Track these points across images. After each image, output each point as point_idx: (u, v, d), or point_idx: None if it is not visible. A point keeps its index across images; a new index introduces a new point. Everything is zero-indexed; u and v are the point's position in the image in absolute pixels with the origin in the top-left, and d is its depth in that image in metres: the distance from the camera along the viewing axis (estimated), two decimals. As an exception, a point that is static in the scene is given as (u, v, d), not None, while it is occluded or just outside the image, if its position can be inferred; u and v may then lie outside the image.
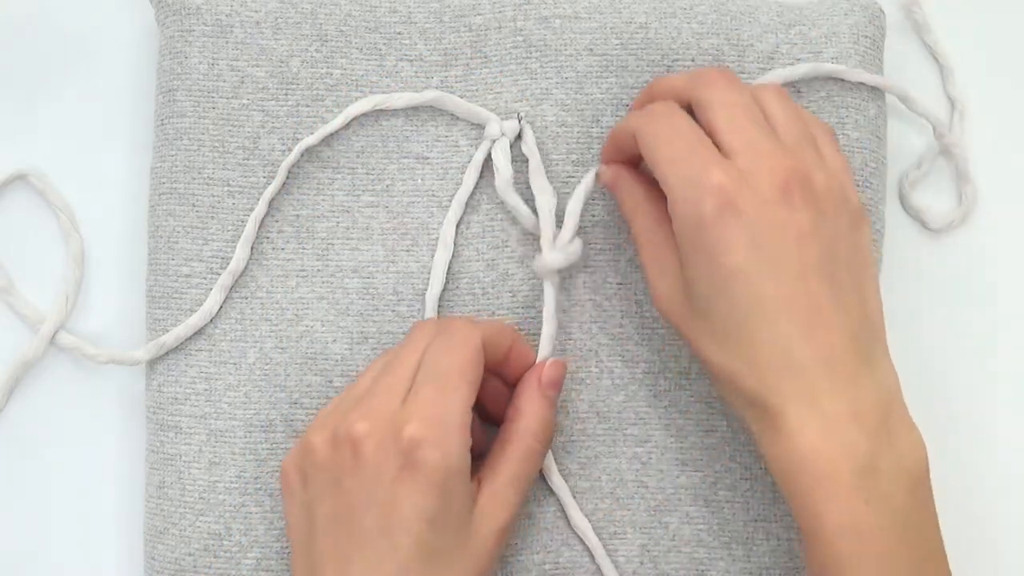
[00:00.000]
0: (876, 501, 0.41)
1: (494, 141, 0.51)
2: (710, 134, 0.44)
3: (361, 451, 0.44)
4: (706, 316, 0.44)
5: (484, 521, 0.45)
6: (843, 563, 0.41)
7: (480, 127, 0.52)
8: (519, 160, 0.51)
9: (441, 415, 0.44)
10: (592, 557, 0.50)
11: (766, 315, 0.42)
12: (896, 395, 0.44)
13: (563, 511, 0.51)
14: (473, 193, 0.51)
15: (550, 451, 0.50)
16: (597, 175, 0.50)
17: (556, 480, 0.50)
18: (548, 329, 0.49)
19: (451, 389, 0.45)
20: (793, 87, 0.51)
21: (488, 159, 0.51)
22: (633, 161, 0.49)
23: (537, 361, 0.49)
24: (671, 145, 0.44)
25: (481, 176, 0.51)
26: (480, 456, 0.48)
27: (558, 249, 0.49)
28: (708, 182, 0.42)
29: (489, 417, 0.49)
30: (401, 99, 0.51)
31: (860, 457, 0.41)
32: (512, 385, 0.49)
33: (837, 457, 0.41)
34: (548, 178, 0.51)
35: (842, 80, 0.51)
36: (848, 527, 0.41)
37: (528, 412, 0.47)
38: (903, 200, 0.55)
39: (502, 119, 0.51)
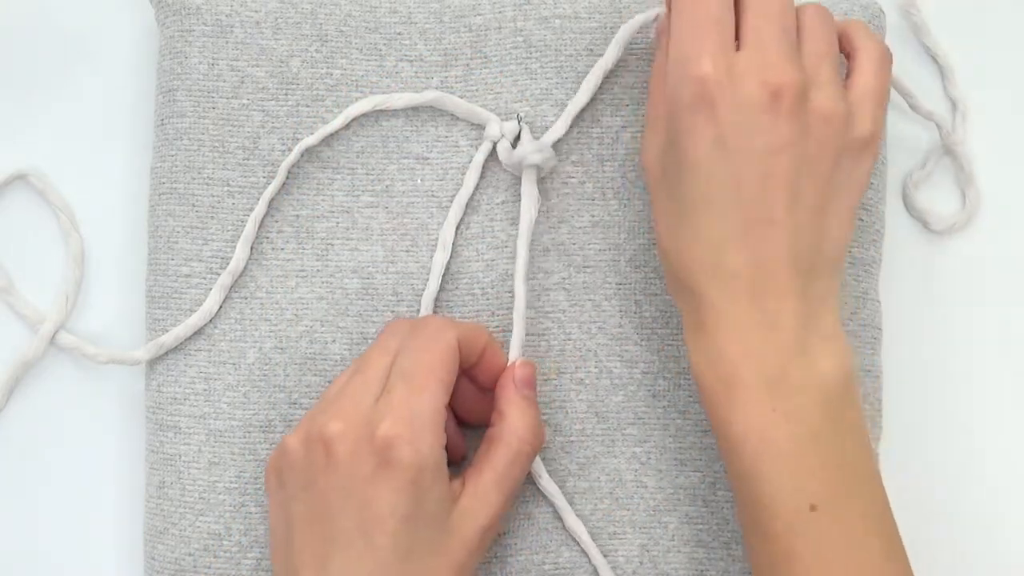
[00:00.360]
0: (785, 411, 0.42)
1: (495, 143, 0.51)
2: (737, 20, 0.44)
3: (334, 451, 0.44)
4: (664, 192, 0.44)
5: (466, 521, 0.45)
6: (749, 466, 0.42)
7: (480, 127, 0.52)
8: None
9: (414, 413, 0.44)
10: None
11: (712, 212, 0.42)
12: (825, 315, 0.44)
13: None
14: (473, 194, 0.51)
15: (539, 456, 0.50)
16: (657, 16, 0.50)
17: (546, 485, 0.50)
18: (518, 331, 0.49)
19: (424, 388, 0.45)
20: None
21: (487, 160, 0.51)
22: None
23: (509, 362, 0.49)
24: (692, 13, 0.43)
25: (481, 177, 0.51)
26: (464, 458, 0.48)
27: (536, 148, 0.50)
28: (695, 70, 0.42)
29: (461, 420, 0.49)
30: (401, 99, 0.51)
31: (771, 366, 0.42)
32: (482, 388, 0.49)
33: (748, 363, 0.42)
34: (548, 178, 0.52)
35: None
36: (754, 431, 0.42)
37: (509, 414, 0.47)
38: (906, 201, 0.55)
39: (502, 120, 0.51)
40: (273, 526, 0.46)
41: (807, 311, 0.43)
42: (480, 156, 0.51)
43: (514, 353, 0.49)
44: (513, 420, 0.47)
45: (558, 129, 0.51)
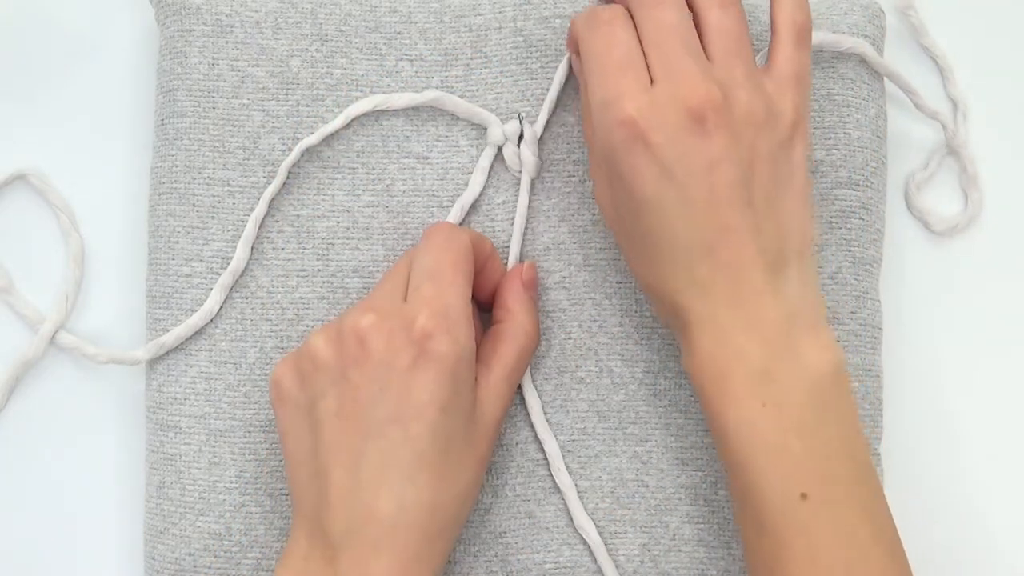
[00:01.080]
0: (772, 404, 0.43)
1: (500, 147, 0.51)
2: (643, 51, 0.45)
3: (368, 344, 0.44)
4: (626, 234, 0.46)
5: (485, 413, 0.46)
6: (741, 459, 0.43)
7: (480, 127, 0.52)
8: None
9: (447, 306, 0.45)
10: (593, 556, 0.50)
11: (675, 239, 0.44)
12: (807, 307, 0.45)
13: (564, 510, 0.51)
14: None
15: (558, 449, 0.51)
16: (567, 61, 0.51)
17: (563, 479, 0.50)
18: (517, 234, 0.51)
19: (452, 282, 0.46)
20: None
21: (494, 162, 0.51)
22: None
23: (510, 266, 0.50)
24: (600, 61, 0.45)
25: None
26: None
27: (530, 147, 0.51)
28: (620, 113, 0.43)
29: None
30: (401, 99, 0.51)
31: (755, 363, 0.43)
32: (480, 299, 0.50)
33: (732, 362, 0.43)
34: (548, 177, 0.52)
35: (842, 80, 0.51)
36: (744, 424, 0.43)
37: (517, 310, 0.49)
38: (908, 201, 0.55)
39: (502, 120, 0.51)
40: (289, 433, 0.46)
41: (786, 306, 0.44)
42: (485, 161, 0.51)
43: (514, 253, 0.51)
44: (520, 316, 0.49)
45: (540, 121, 0.51)
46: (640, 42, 0.45)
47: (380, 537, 0.43)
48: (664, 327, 0.51)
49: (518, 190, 0.51)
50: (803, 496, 0.42)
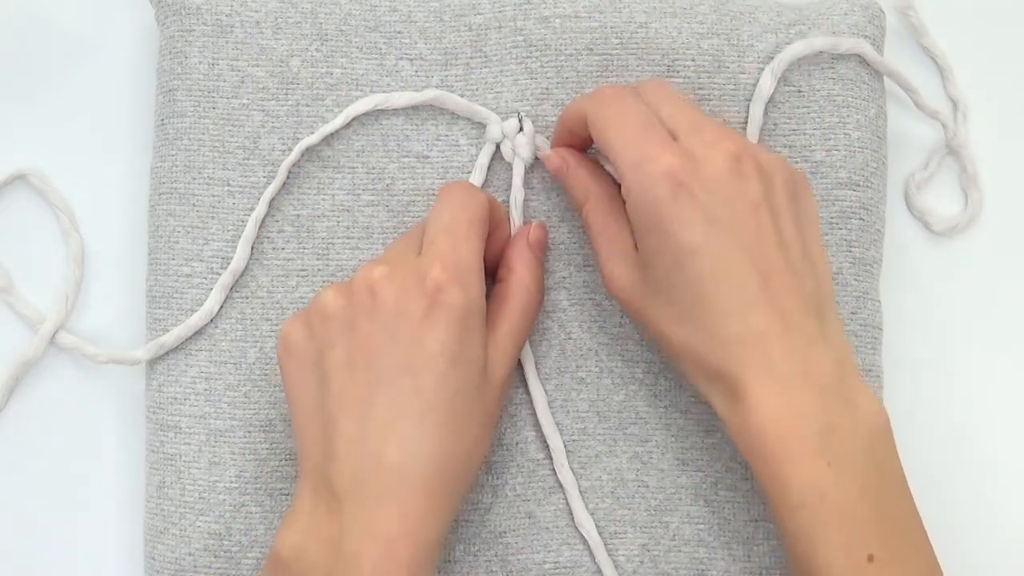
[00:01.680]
0: (837, 462, 0.42)
1: (498, 144, 0.51)
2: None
3: (380, 294, 0.44)
4: (665, 294, 0.45)
5: (492, 371, 0.46)
6: (807, 525, 0.42)
7: (480, 126, 0.52)
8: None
9: (460, 260, 0.45)
10: (592, 556, 0.50)
11: (723, 286, 0.43)
12: (849, 355, 0.44)
13: (563, 510, 0.51)
14: None
15: (562, 445, 0.51)
16: (544, 160, 0.51)
17: (566, 476, 0.50)
18: (517, 200, 0.51)
19: (466, 238, 0.46)
20: (793, 86, 0.51)
21: (492, 160, 0.51)
22: (581, 146, 0.50)
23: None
24: (622, 129, 0.45)
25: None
26: None
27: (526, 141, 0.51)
28: (660, 166, 0.44)
29: None
30: (401, 98, 0.51)
31: (818, 418, 0.42)
32: (486, 265, 0.49)
33: (796, 420, 0.42)
34: (547, 177, 0.52)
35: (842, 80, 0.52)
36: (811, 488, 0.41)
37: (520, 269, 0.49)
38: (908, 201, 0.55)
39: (502, 119, 0.51)
40: (297, 386, 0.46)
41: (835, 354, 0.43)
42: (484, 159, 0.51)
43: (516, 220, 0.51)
44: (523, 274, 0.49)
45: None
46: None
47: (386, 487, 0.43)
48: (697, 392, 0.47)
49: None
50: (870, 558, 0.41)
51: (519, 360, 0.51)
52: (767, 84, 0.50)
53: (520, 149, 0.51)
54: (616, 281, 0.47)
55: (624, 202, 0.45)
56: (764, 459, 0.42)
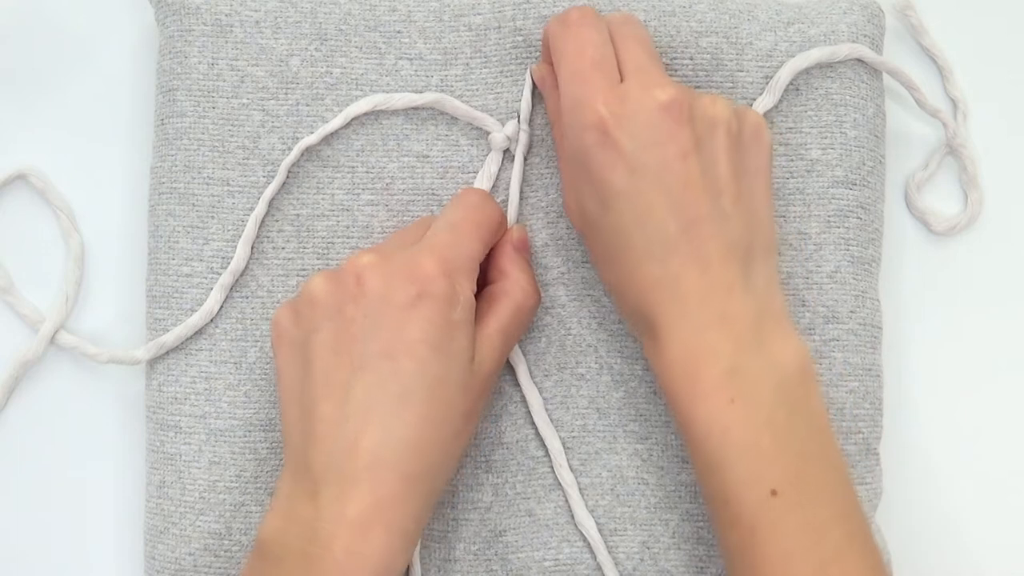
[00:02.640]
0: (741, 399, 0.43)
1: (504, 151, 0.51)
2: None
3: (366, 280, 0.45)
4: (594, 232, 0.46)
5: (479, 366, 0.46)
6: (712, 459, 0.43)
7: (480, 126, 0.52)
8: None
9: (455, 257, 0.46)
10: (592, 554, 0.50)
11: (643, 230, 0.44)
12: (773, 301, 0.45)
13: (564, 508, 0.51)
14: None
15: (561, 446, 0.51)
16: (532, 71, 0.51)
17: (565, 476, 0.50)
18: (513, 198, 0.51)
19: (467, 238, 0.47)
20: (791, 84, 0.51)
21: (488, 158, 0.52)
22: None
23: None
24: (571, 64, 0.46)
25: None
26: None
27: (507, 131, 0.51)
28: (590, 115, 0.45)
29: None
30: (401, 100, 0.51)
31: (724, 359, 0.43)
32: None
33: (704, 359, 0.43)
34: (547, 173, 0.52)
35: (840, 79, 0.51)
36: (715, 424, 0.43)
37: (511, 271, 0.49)
38: (908, 201, 0.55)
39: (501, 122, 0.51)
40: (283, 371, 0.46)
41: (755, 301, 0.45)
42: (493, 167, 0.51)
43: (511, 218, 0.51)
44: (517, 275, 0.49)
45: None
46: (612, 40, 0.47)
47: (360, 471, 0.43)
48: (630, 331, 0.50)
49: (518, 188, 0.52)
50: (773, 493, 0.42)
51: (510, 364, 0.51)
52: (767, 102, 0.51)
53: (515, 136, 0.51)
54: (568, 209, 0.48)
55: None
56: (674, 395, 0.44)
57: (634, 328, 0.47)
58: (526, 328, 0.50)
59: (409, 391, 0.44)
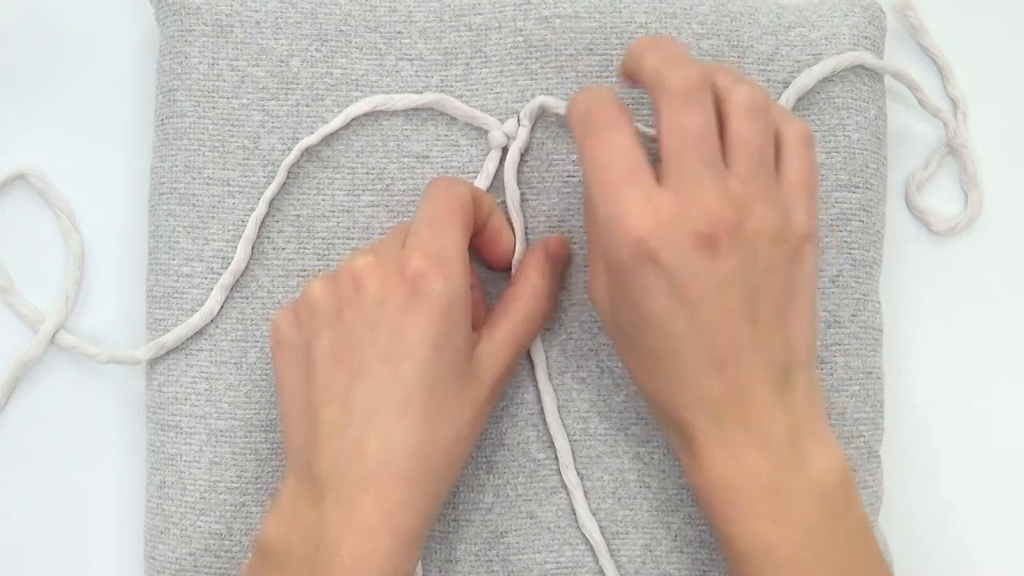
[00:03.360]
0: (783, 520, 0.42)
1: (504, 150, 0.51)
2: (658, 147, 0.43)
3: (363, 283, 0.45)
4: (629, 342, 0.45)
5: (483, 367, 0.46)
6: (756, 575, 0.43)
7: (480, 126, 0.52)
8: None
9: (441, 249, 0.45)
10: (595, 557, 0.50)
11: (682, 357, 0.43)
12: (811, 415, 0.44)
13: (565, 510, 0.51)
14: None
15: (568, 444, 0.51)
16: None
17: (571, 477, 0.50)
18: (519, 223, 0.51)
19: (449, 228, 0.46)
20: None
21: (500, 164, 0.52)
22: None
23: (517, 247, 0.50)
24: (602, 172, 0.43)
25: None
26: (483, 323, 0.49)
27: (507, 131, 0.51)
28: (629, 231, 0.42)
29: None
30: (401, 101, 0.51)
31: (764, 479, 0.43)
32: (491, 264, 0.50)
33: (742, 481, 0.43)
34: (548, 178, 0.52)
35: (842, 81, 0.51)
36: (758, 546, 0.42)
37: (531, 275, 0.49)
38: (908, 201, 0.55)
39: (501, 121, 0.51)
40: (284, 377, 0.46)
41: (794, 418, 0.44)
42: (491, 165, 0.51)
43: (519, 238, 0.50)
44: (534, 280, 0.49)
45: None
46: (660, 142, 0.43)
47: (366, 477, 0.43)
48: (668, 440, 0.49)
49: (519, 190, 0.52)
50: None
51: (531, 360, 0.51)
52: None
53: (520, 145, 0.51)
54: (594, 290, 0.46)
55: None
56: (713, 513, 0.44)
57: (669, 435, 0.46)
58: (537, 329, 0.49)
59: (410, 395, 0.44)
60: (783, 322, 0.44)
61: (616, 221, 0.42)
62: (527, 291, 0.48)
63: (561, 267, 0.50)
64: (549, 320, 0.51)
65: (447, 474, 0.45)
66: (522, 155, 0.51)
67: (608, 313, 0.46)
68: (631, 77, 0.46)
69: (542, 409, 0.51)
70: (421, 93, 0.52)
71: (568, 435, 0.51)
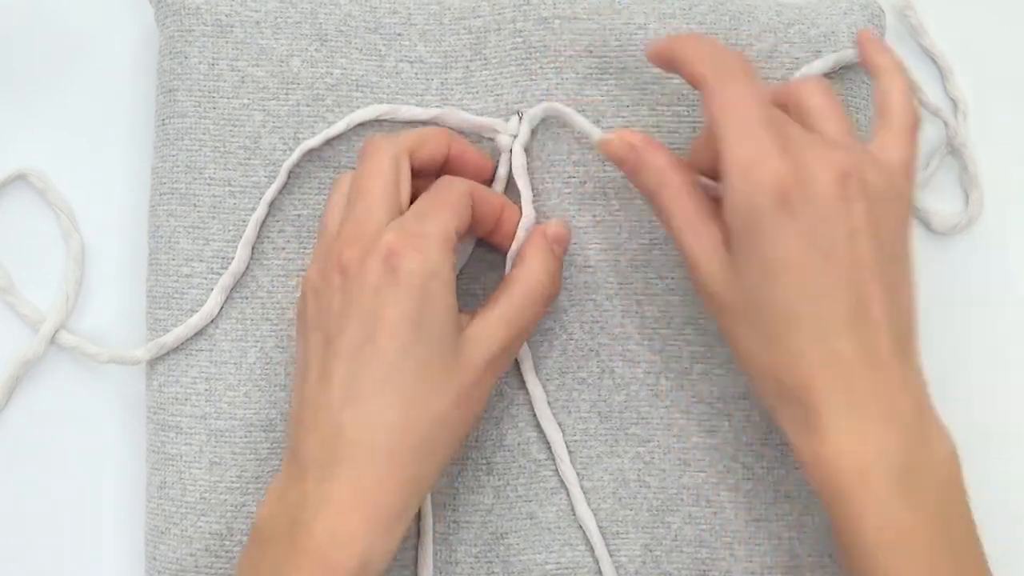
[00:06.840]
0: (912, 501, 0.41)
1: (512, 150, 0.51)
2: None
3: (346, 266, 0.45)
4: (752, 305, 0.43)
5: (471, 348, 0.46)
6: (883, 564, 0.41)
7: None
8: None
9: (421, 230, 0.45)
10: (595, 557, 0.50)
11: (815, 308, 0.42)
12: (926, 392, 0.43)
13: (565, 511, 0.51)
14: None
15: (561, 438, 0.51)
16: (602, 144, 0.48)
17: (567, 471, 0.50)
18: (526, 193, 0.50)
19: (432, 213, 0.45)
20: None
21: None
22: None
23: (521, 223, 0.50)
24: (741, 117, 0.43)
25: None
26: None
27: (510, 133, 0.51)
28: (768, 175, 0.42)
29: None
30: (407, 112, 0.51)
31: (895, 457, 0.41)
32: (504, 251, 0.49)
33: (873, 458, 0.41)
34: (549, 179, 0.52)
35: (842, 80, 0.52)
36: (886, 529, 0.41)
37: (531, 258, 0.48)
38: (909, 201, 0.55)
39: (506, 121, 0.51)
40: (296, 369, 0.47)
41: (917, 393, 0.43)
42: (503, 170, 0.51)
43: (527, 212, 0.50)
44: (533, 263, 0.48)
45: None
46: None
47: (343, 456, 0.43)
48: (768, 409, 0.45)
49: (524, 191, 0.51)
50: None
51: (516, 359, 0.51)
52: None
53: (517, 130, 0.51)
54: (705, 282, 0.45)
55: (702, 191, 0.45)
56: (839, 494, 0.41)
57: (780, 414, 0.44)
58: (535, 315, 0.48)
59: (389, 372, 0.44)
60: (900, 286, 0.43)
61: (753, 166, 0.42)
62: (522, 272, 0.48)
63: (562, 248, 0.49)
64: (551, 304, 0.50)
65: (430, 455, 0.45)
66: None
67: (724, 283, 0.44)
68: (670, 63, 0.46)
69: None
70: (423, 97, 0.52)
71: (568, 435, 0.51)
